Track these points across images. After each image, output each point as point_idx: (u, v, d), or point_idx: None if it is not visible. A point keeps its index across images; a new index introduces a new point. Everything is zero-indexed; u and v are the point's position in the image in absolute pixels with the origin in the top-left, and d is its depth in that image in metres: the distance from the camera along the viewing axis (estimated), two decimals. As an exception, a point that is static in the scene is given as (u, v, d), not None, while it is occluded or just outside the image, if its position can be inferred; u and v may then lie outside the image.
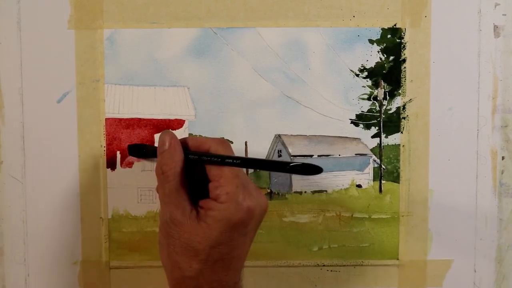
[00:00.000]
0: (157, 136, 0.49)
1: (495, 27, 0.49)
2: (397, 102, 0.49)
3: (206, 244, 0.37)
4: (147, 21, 0.48)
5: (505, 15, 0.49)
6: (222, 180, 0.38)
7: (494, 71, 0.49)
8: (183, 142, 0.41)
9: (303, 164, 0.37)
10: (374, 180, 0.50)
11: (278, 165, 0.39)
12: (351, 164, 0.50)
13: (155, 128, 0.49)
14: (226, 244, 0.37)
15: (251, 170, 0.50)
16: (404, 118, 0.49)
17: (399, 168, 0.50)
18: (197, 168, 0.40)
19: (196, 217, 0.38)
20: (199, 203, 0.39)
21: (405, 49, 0.49)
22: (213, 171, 0.39)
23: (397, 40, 0.49)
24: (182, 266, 0.37)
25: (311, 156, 0.50)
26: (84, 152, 0.49)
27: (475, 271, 0.50)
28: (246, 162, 0.39)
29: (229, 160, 0.38)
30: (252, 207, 0.37)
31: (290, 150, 0.49)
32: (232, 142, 0.49)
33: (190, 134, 0.49)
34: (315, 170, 0.37)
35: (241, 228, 0.37)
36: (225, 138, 0.49)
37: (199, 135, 0.49)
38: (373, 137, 0.50)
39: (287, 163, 0.38)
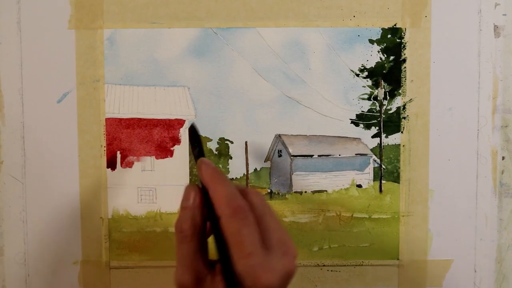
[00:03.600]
0: (157, 136, 0.49)
1: (495, 27, 0.49)
2: (397, 102, 0.49)
3: None
4: (147, 21, 0.48)
5: (505, 15, 0.49)
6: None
7: (494, 71, 0.49)
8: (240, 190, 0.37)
9: None
10: (374, 180, 0.50)
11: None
12: (351, 164, 0.50)
13: (155, 128, 0.49)
14: None
15: (251, 170, 0.50)
16: (404, 118, 0.49)
17: (399, 168, 0.50)
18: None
19: (211, 283, 0.35)
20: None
21: (405, 49, 0.49)
22: None
23: (397, 40, 0.49)
24: None
25: (311, 156, 0.50)
26: (84, 152, 0.49)
27: (475, 271, 0.50)
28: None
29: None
30: (272, 282, 0.33)
31: (290, 150, 0.49)
32: (232, 142, 0.49)
33: (190, 134, 0.49)
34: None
35: None
36: (225, 139, 0.49)
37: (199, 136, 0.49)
38: (373, 137, 0.50)
39: None
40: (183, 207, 0.37)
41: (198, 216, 0.36)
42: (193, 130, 0.39)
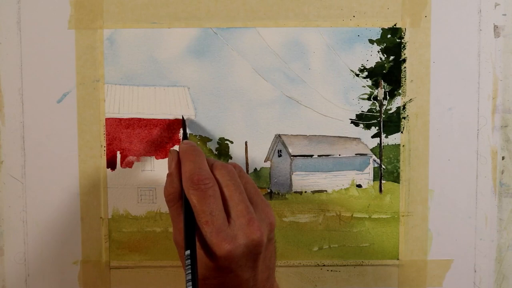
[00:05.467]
0: (156, 136, 0.49)
1: (495, 27, 0.49)
2: (397, 102, 0.49)
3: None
4: (147, 21, 0.48)
5: (505, 15, 0.49)
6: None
7: (494, 71, 0.49)
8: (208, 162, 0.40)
9: None
10: (374, 180, 0.50)
11: None
12: (351, 164, 0.50)
13: (155, 128, 0.49)
14: (213, 278, 0.37)
15: (251, 170, 0.50)
16: (404, 118, 0.49)
17: (399, 168, 0.50)
18: None
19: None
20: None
21: (405, 49, 0.49)
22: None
23: (397, 40, 0.49)
24: None
25: (311, 156, 0.50)
26: (84, 152, 0.49)
27: (475, 271, 0.50)
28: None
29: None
30: (231, 250, 0.35)
31: (290, 150, 0.49)
32: (232, 142, 0.49)
33: (190, 134, 0.49)
34: None
35: (223, 273, 0.36)
36: (225, 139, 0.49)
37: (199, 135, 0.49)
38: (373, 137, 0.50)
39: None
40: (167, 174, 0.40)
41: (176, 183, 0.39)
42: (182, 122, 0.47)
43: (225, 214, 0.36)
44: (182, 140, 0.43)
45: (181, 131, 0.49)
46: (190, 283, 0.34)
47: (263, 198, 0.40)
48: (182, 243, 0.37)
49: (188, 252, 0.35)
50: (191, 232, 0.36)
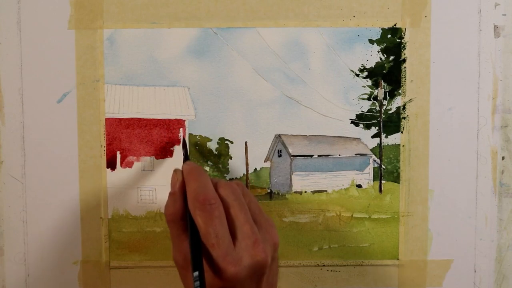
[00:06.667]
0: (156, 136, 0.49)
1: (495, 27, 0.49)
2: (397, 102, 0.49)
3: None
4: (147, 21, 0.48)
5: (505, 15, 0.49)
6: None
7: (494, 71, 0.49)
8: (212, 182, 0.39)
9: None
10: (374, 180, 0.50)
11: None
12: (351, 164, 0.50)
13: (155, 128, 0.49)
14: None
15: (251, 170, 0.50)
16: (404, 118, 0.49)
17: (399, 168, 0.50)
18: None
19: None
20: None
21: (405, 49, 0.49)
22: None
23: (397, 40, 0.49)
24: None
25: (311, 156, 0.50)
26: (84, 152, 0.49)
27: (475, 271, 0.50)
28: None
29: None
30: (237, 273, 0.35)
31: (290, 150, 0.49)
32: (232, 142, 0.49)
33: (190, 134, 0.49)
34: None
35: None
36: (225, 139, 0.49)
37: (199, 136, 0.49)
38: (373, 137, 0.50)
39: None
40: (169, 193, 0.39)
41: (179, 203, 0.38)
42: (183, 142, 0.47)
43: (230, 235, 0.36)
44: (184, 162, 0.42)
45: (181, 136, 0.49)
46: None
47: (266, 217, 0.39)
48: (182, 262, 0.37)
49: (196, 273, 0.34)
50: (198, 253, 0.35)
